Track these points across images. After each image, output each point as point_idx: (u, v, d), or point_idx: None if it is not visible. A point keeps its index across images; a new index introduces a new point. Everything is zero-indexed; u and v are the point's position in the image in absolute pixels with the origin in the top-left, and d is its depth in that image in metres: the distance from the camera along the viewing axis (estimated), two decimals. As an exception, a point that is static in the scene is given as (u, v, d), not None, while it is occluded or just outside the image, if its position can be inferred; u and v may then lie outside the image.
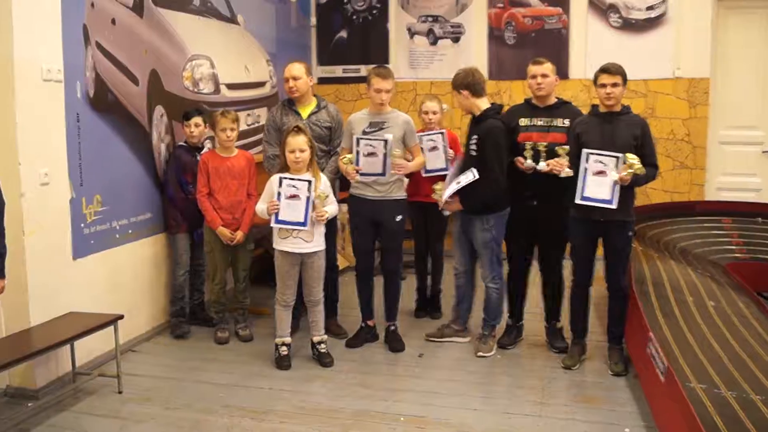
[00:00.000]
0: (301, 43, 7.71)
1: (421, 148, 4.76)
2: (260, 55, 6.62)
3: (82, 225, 4.46)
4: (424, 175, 4.98)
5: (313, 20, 7.92)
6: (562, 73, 7.06)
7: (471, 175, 4.47)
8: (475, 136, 4.57)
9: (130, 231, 4.91)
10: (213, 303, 5.18)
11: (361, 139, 4.61)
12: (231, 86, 6.09)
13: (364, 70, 7.71)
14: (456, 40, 7.59)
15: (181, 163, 5.03)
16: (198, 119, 5.01)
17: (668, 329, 4.04)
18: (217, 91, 5.90)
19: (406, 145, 4.79)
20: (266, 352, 4.76)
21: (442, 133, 4.81)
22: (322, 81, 7.90)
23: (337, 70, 7.89)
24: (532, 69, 4.62)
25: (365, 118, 4.75)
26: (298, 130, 4.42)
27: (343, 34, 7.88)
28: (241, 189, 4.96)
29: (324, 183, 4.51)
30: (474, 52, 7.53)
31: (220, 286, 5.10)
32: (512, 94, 7.29)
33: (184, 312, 5.14)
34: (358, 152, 4.61)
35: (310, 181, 4.36)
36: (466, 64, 7.38)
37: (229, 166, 4.96)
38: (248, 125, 6.38)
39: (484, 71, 7.33)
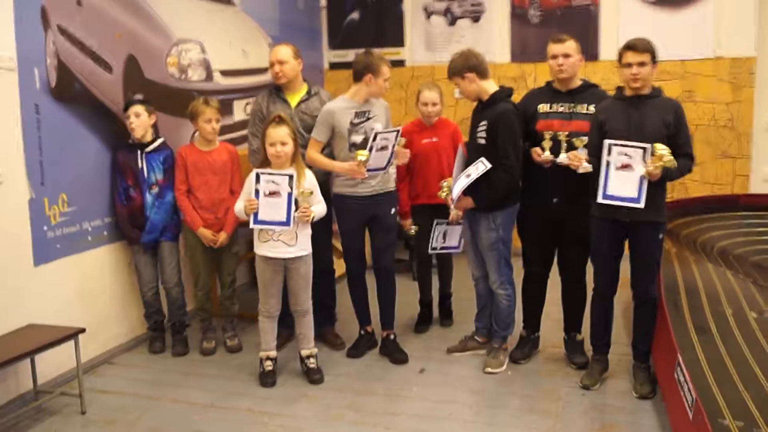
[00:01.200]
0: (309, 25, 7.20)
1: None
2: (261, 38, 6.14)
3: (45, 228, 4.04)
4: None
5: (323, 1, 7.41)
6: (592, 53, 6.50)
7: (482, 166, 3.95)
8: (484, 123, 4.04)
9: (104, 233, 4.48)
10: (197, 311, 4.73)
11: (380, 133, 4.08)
12: (226, 73, 5.62)
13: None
14: (476, 19, 7.01)
15: (118, 164, 4.46)
16: (138, 108, 4.39)
17: (701, 349, 3.48)
18: (209, 78, 5.44)
19: None
20: (254, 364, 4.29)
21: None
22: (333, 66, 7.43)
23: (349, 55, 7.33)
24: (553, 48, 4.05)
25: (348, 107, 4.25)
26: (280, 120, 3.93)
27: (355, 15, 7.36)
28: (223, 186, 4.49)
29: (309, 179, 4.02)
30: (495, 32, 6.95)
31: (203, 292, 4.65)
32: (537, 77, 6.71)
33: (162, 326, 4.65)
34: (372, 148, 4.08)
35: (291, 176, 3.88)
36: (487, 45, 7.03)
37: (209, 160, 4.49)
38: (248, 114, 5.90)
39: (506, 53, 6.93)
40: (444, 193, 4.22)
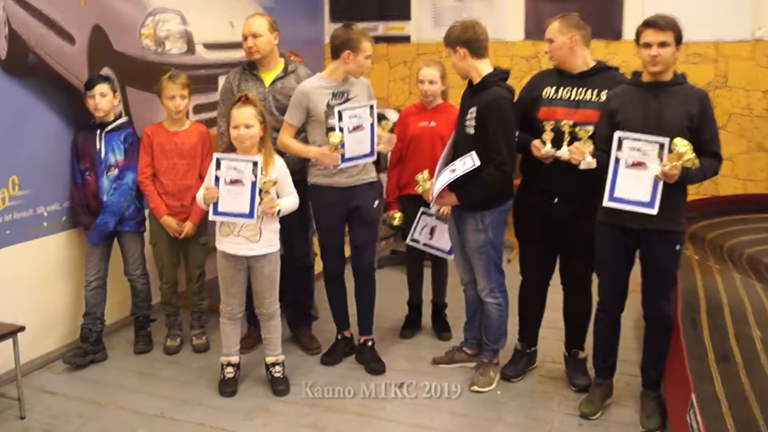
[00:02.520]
0: (310, -5, 6.73)
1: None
2: (251, 9, 5.66)
3: (-9, 213, 3.68)
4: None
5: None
6: (614, 32, 5.94)
7: (470, 161, 3.47)
8: (473, 109, 3.55)
9: (63, 218, 4.10)
10: (162, 305, 4.34)
11: (345, 110, 3.64)
12: (210, 46, 5.18)
13: (382, 28, 6.77)
14: (488, -8, 6.46)
15: (77, 146, 4.05)
16: (103, 87, 3.96)
17: (721, 382, 2.93)
18: (190, 51, 5.01)
19: None
20: (218, 368, 3.87)
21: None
22: (337, 41, 6.94)
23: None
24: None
25: (324, 86, 3.80)
26: (246, 100, 3.51)
27: (360, -15, 6.86)
28: (192, 171, 4.08)
29: (278, 167, 3.59)
30: (508, 6, 6.41)
31: (168, 285, 4.26)
32: (554, 57, 6.19)
33: (91, 334, 4.11)
34: (341, 129, 3.64)
35: (255, 162, 3.44)
36: (499, 22, 6.51)
37: (177, 142, 4.08)
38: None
39: (519, 30, 6.35)
40: (419, 189, 3.75)
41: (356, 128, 3.67)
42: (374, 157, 3.82)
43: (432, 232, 4.20)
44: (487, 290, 3.76)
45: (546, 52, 3.60)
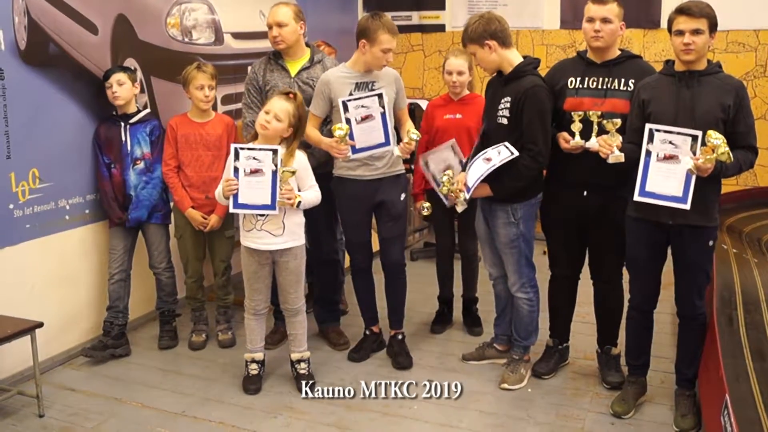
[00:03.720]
0: (343, -16, 6.61)
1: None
2: (282, -2, 5.59)
3: (12, 206, 3.63)
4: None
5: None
6: (653, 20, 5.74)
7: (506, 151, 3.35)
8: (507, 99, 3.42)
9: (86, 211, 4.05)
10: (187, 299, 4.27)
11: (350, 101, 3.55)
12: (239, 36, 5.11)
13: (416, 17, 6.65)
14: (524, -20, 6.31)
15: (99, 139, 3.99)
16: (121, 76, 3.89)
17: (756, 381, 2.82)
18: (219, 41, 4.94)
19: (397, 107, 3.79)
20: (243, 363, 3.78)
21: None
22: (369, 31, 6.83)
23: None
24: (591, 8, 3.39)
25: (348, 77, 3.71)
26: (291, 96, 3.44)
27: (394, -26, 6.74)
28: (217, 162, 3.99)
29: (298, 160, 3.49)
30: (545, -7, 6.26)
31: (193, 280, 4.19)
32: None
33: (113, 328, 4.02)
34: (348, 120, 3.55)
35: (275, 150, 3.35)
36: (535, 10, 6.34)
37: (202, 133, 4.01)
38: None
39: (555, 18, 6.20)
40: (444, 189, 3.61)
41: (365, 118, 3.58)
42: (391, 146, 3.67)
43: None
44: (518, 285, 3.64)
45: (595, 30, 3.35)
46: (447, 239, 4.35)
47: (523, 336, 3.74)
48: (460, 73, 4.06)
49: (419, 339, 4.24)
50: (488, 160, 3.41)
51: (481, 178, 3.40)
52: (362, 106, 3.56)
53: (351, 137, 3.57)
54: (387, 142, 3.64)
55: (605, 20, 3.34)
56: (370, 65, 3.68)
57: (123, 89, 3.89)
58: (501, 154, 3.37)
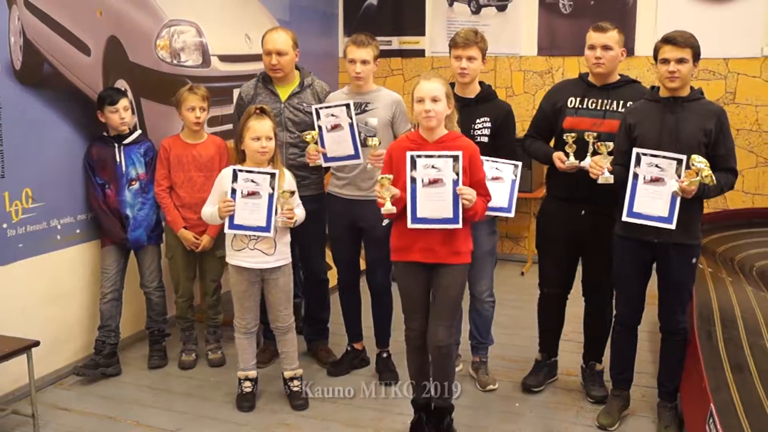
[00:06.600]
0: (324, 9, 6.69)
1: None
2: (267, 22, 5.68)
3: (5, 225, 3.64)
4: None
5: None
6: (627, 47, 5.89)
7: (512, 168, 3.58)
8: (485, 119, 3.68)
9: (77, 231, 4.07)
10: (177, 319, 4.29)
11: (321, 108, 3.68)
12: (225, 58, 5.18)
13: (396, 41, 6.77)
14: (502, 8, 6.46)
15: (92, 159, 4.01)
16: (125, 101, 3.96)
17: (736, 391, 3.01)
18: (206, 63, 5.00)
19: (396, 131, 3.84)
20: (235, 382, 3.82)
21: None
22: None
23: (365, 43, 6.90)
24: (592, 36, 3.54)
25: (344, 97, 3.85)
26: (262, 111, 3.51)
27: (373, 0, 6.86)
28: (209, 183, 3.96)
29: (288, 180, 3.59)
30: (523, 22, 6.41)
31: (184, 299, 4.22)
32: (565, 72, 6.21)
33: (105, 347, 4.02)
34: (320, 128, 3.68)
35: (273, 174, 3.44)
36: (513, 36, 6.51)
37: (194, 154, 4.07)
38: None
39: (532, 45, 6.39)
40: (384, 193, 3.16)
41: (334, 127, 3.69)
42: (361, 160, 3.71)
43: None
44: (488, 291, 3.87)
45: (597, 57, 3.50)
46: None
47: (485, 337, 3.96)
48: (434, 100, 3.16)
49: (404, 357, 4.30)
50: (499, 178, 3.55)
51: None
52: (332, 115, 3.67)
53: (322, 144, 3.69)
54: (356, 155, 3.70)
55: (606, 47, 3.50)
56: (349, 78, 3.82)
57: (128, 114, 3.97)
58: (508, 170, 3.55)
